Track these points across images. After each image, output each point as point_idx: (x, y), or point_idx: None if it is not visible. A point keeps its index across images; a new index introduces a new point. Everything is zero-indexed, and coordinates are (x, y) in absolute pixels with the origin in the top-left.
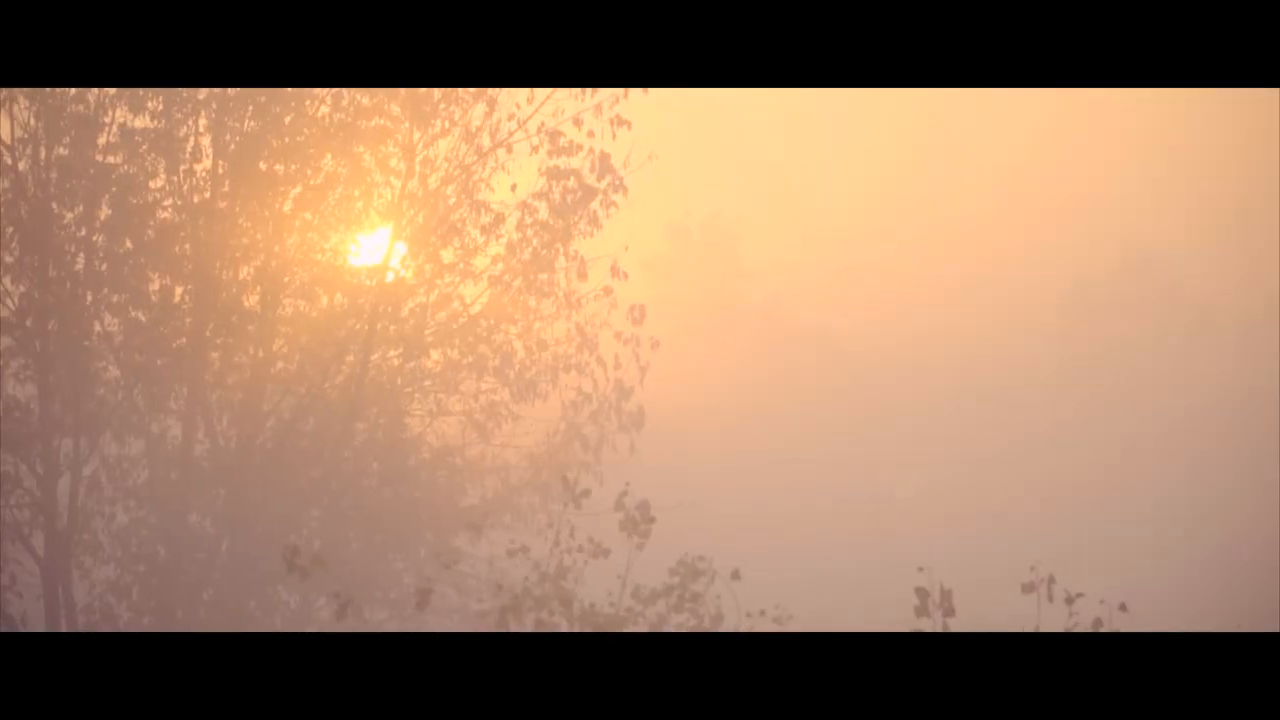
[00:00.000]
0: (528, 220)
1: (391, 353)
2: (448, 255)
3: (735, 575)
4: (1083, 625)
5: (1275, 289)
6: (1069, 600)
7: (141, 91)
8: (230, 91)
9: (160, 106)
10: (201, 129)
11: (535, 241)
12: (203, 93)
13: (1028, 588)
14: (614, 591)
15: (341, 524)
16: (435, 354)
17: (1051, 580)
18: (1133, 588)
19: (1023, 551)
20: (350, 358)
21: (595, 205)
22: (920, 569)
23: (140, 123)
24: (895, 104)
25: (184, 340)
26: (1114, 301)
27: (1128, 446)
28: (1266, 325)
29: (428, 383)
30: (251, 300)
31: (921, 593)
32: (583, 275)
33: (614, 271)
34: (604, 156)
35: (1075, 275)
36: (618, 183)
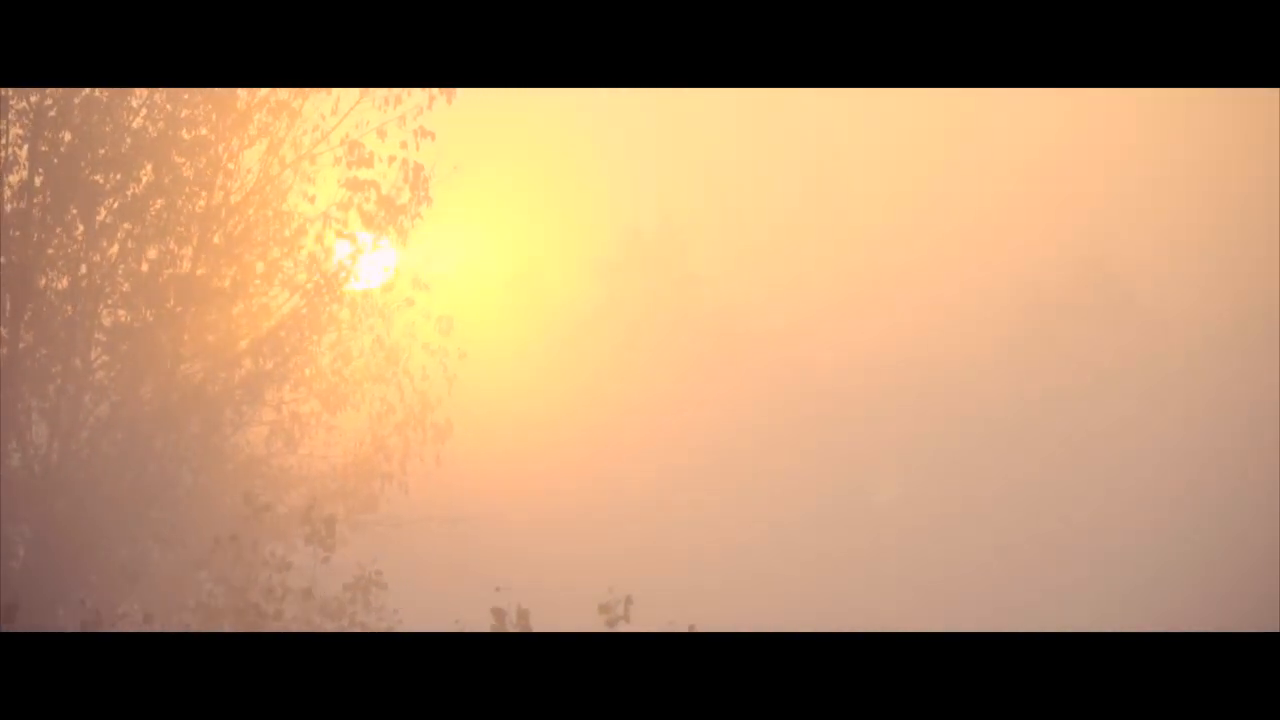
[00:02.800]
0: (331, 231)
1: (205, 362)
2: (261, 266)
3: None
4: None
5: (1275, 291)
6: (611, 620)
7: None
8: (48, 101)
9: None
10: (14, 138)
11: (339, 253)
12: (20, 103)
13: (605, 609)
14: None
15: (150, 532)
16: (247, 363)
17: (629, 601)
18: (1131, 589)
19: (1021, 558)
20: (166, 365)
21: (402, 217)
22: (497, 589)
23: None
24: (862, 105)
25: (3, 350)
26: (1105, 307)
27: (1128, 451)
28: (1267, 329)
29: (239, 392)
30: (70, 310)
31: (498, 612)
32: (388, 287)
33: (415, 283)
34: (417, 168)
35: (1062, 280)
36: (422, 195)
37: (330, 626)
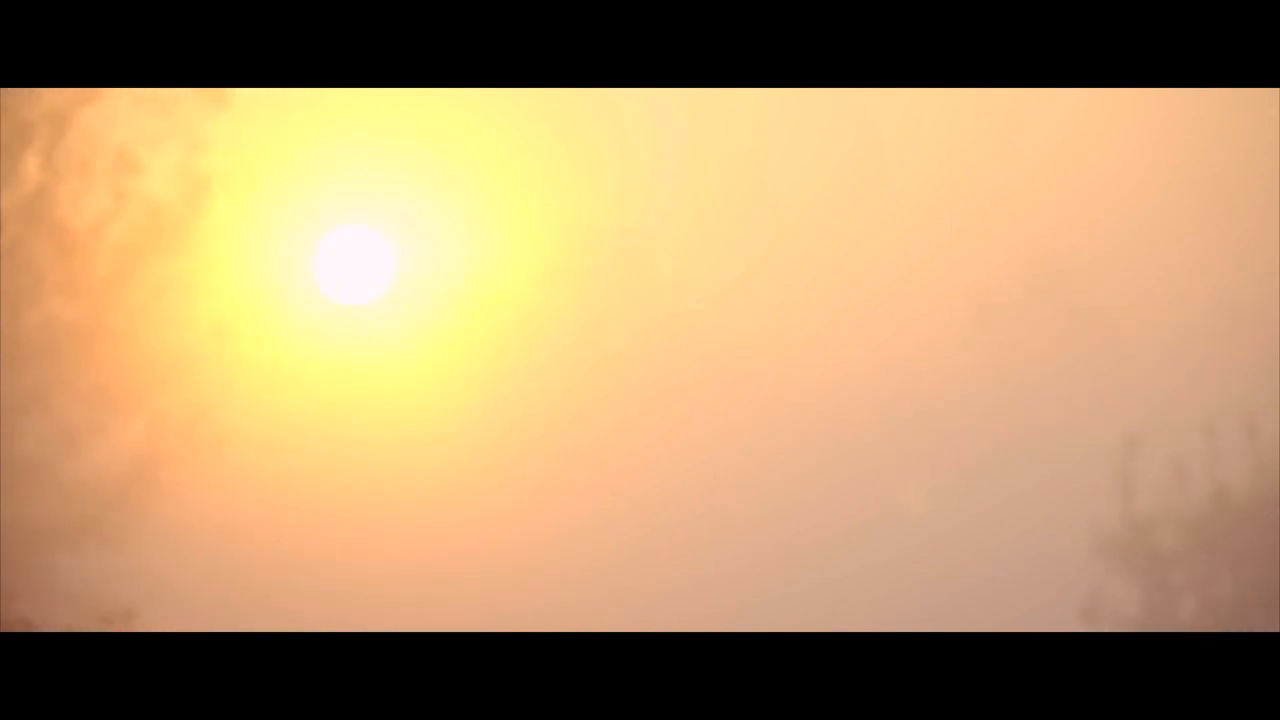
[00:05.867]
0: (104, 241)
1: None
2: (47, 274)
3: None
4: None
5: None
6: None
7: None
8: None
9: None
10: None
11: (113, 261)
12: None
13: (105, 619)
14: None
15: None
16: (33, 371)
17: (129, 613)
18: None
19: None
20: None
21: (177, 227)
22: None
23: None
24: (828, 107)
25: None
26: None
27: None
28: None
29: (24, 401)
30: None
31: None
32: (165, 294)
33: (194, 290)
34: (201, 179)
35: (1046, 280)
36: (201, 206)
37: None
